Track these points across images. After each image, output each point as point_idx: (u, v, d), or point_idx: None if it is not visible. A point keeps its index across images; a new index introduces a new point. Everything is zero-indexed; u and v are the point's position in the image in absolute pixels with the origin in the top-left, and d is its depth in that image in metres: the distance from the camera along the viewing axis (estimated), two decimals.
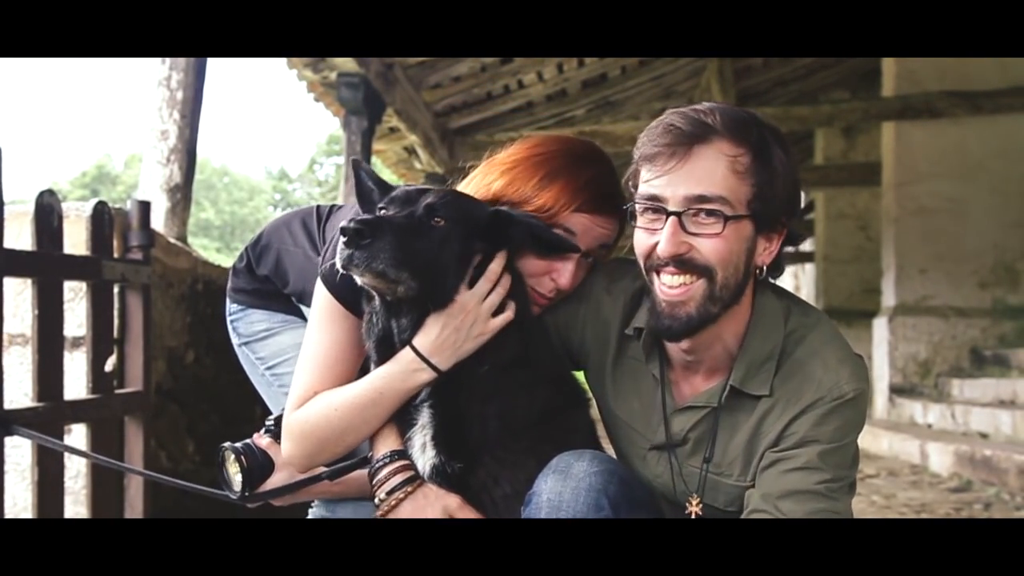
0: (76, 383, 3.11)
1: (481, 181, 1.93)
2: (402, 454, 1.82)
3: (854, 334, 11.46)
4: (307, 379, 1.85)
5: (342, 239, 1.62)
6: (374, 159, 8.80)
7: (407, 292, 1.71)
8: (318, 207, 2.29)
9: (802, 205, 1.81)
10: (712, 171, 1.61)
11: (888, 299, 9.60)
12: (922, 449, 7.25)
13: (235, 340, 2.29)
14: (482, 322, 1.76)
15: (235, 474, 1.92)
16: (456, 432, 1.81)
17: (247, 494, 1.92)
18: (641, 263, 1.72)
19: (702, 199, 1.61)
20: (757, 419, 1.72)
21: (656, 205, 1.64)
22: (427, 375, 1.77)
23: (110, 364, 3.27)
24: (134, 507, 3.34)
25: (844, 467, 1.70)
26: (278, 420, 1.96)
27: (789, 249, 1.82)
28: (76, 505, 3.17)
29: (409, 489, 1.79)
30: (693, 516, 1.79)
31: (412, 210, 1.74)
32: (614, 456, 1.89)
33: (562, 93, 9.82)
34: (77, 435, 3.18)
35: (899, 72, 9.08)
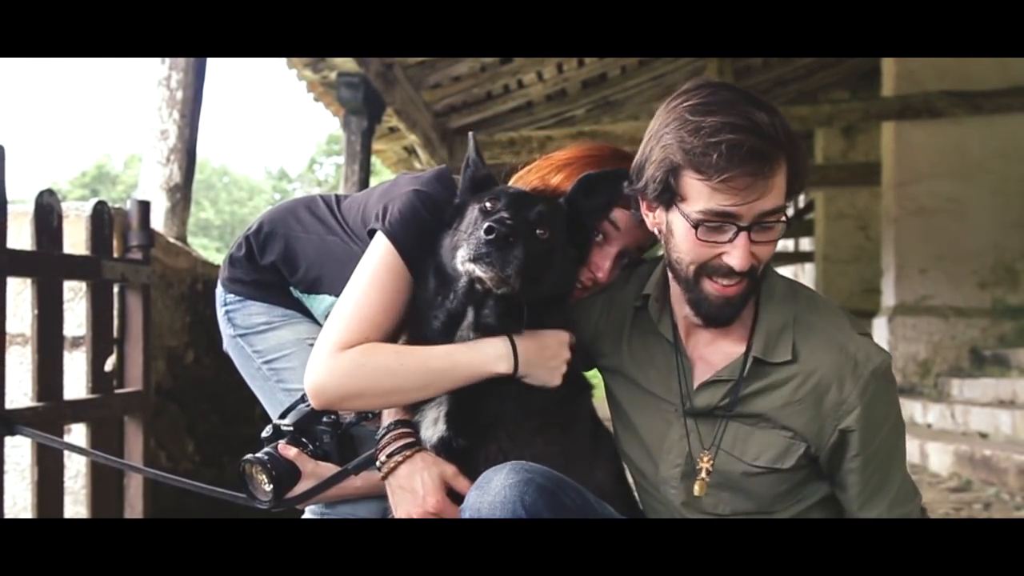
0: (76, 383, 3.11)
1: (538, 175, 2.03)
2: (405, 423, 1.89)
3: None
4: (358, 326, 1.86)
5: (486, 236, 1.69)
6: (374, 159, 8.80)
7: (507, 291, 1.78)
8: (319, 196, 2.28)
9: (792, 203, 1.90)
10: (778, 189, 1.67)
11: (888, 299, 9.61)
12: (922, 449, 7.25)
13: (229, 331, 2.23)
14: (561, 363, 1.88)
15: (264, 483, 1.93)
16: (470, 411, 1.87)
17: (277, 501, 1.94)
18: (691, 266, 1.73)
19: (772, 212, 1.67)
20: (785, 382, 1.78)
21: (725, 221, 1.65)
22: (506, 368, 1.82)
23: (110, 364, 3.28)
24: (134, 507, 3.34)
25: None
26: (297, 425, 1.98)
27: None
28: (76, 505, 3.17)
29: (408, 453, 1.85)
30: (704, 474, 1.82)
31: (527, 216, 1.82)
32: (637, 426, 1.96)
33: (562, 93, 9.82)
34: (77, 435, 3.19)
35: (899, 72, 9.09)
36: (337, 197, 2.27)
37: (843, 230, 12.40)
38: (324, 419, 2.00)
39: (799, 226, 14.89)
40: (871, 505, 1.80)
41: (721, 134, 1.59)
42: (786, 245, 17.35)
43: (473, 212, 1.86)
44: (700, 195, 1.64)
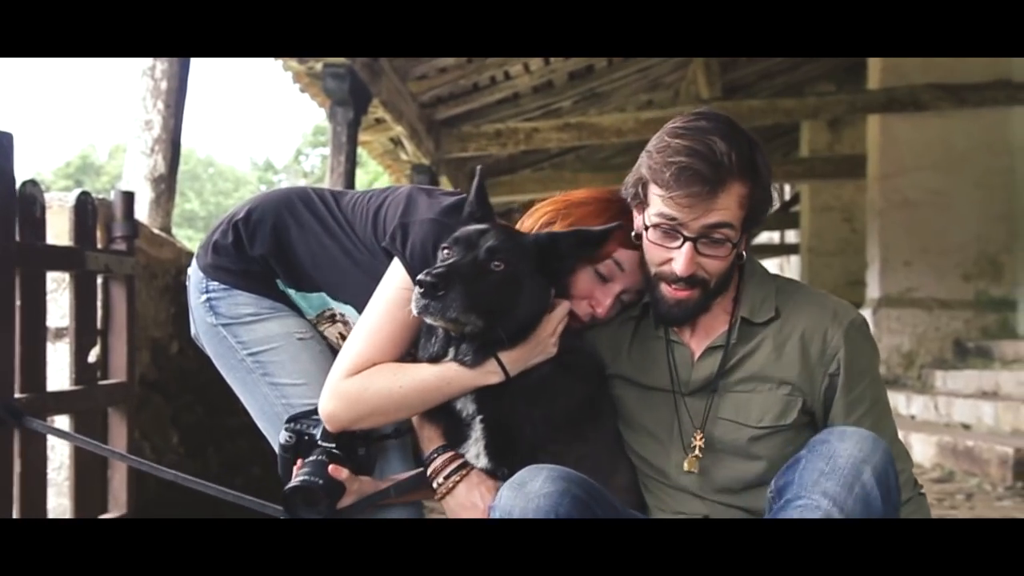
0: (59, 374, 3.10)
1: (551, 213, 2.09)
2: (448, 447, 2.04)
3: None
4: (368, 351, 1.96)
5: (418, 289, 1.78)
6: (360, 150, 8.77)
7: (473, 330, 1.88)
8: (314, 190, 2.24)
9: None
10: (727, 208, 1.83)
11: (873, 291, 9.66)
12: (906, 440, 7.26)
13: (210, 320, 2.18)
14: (551, 346, 1.96)
15: (321, 503, 1.94)
16: (507, 440, 1.99)
17: (323, 515, 1.95)
18: (651, 269, 1.93)
19: (715, 227, 1.83)
20: (772, 338, 1.94)
21: (674, 229, 1.85)
22: (497, 378, 1.93)
23: (93, 355, 3.26)
24: (117, 499, 3.34)
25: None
26: (342, 446, 2.00)
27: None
28: (59, 497, 3.16)
29: (464, 472, 2.00)
30: (696, 451, 1.92)
31: (475, 255, 1.88)
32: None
33: (549, 85, 9.79)
34: (60, 426, 3.17)
35: (884, 65, 9.13)
36: (334, 194, 2.24)
37: (828, 222, 12.45)
38: (357, 432, 2.03)
39: (785, 218, 14.94)
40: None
41: (677, 156, 1.82)
42: (772, 237, 17.42)
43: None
44: (655, 203, 1.87)
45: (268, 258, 2.15)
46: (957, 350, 9.16)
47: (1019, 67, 8.74)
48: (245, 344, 2.16)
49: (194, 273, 2.22)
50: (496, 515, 1.74)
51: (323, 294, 2.16)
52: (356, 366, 1.96)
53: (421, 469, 2.07)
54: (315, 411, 2.02)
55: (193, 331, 2.27)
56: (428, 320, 1.86)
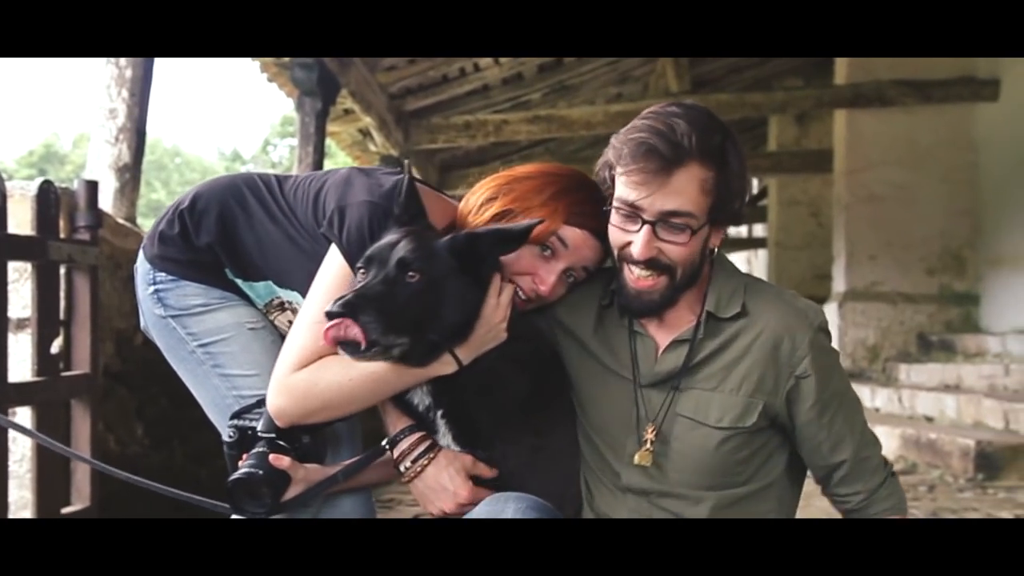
0: (21, 365, 3.06)
1: (493, 189, 2.03)
2: (415, 428, 1.98)
3: None
4: (311, 343, 1.89)
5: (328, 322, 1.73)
6: (328, 141, 8.72)
7: (402, 350, 1.83)
8: (259, 176, 2.20)
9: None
10: (684, 191, 1.78)
11: (838, 285, 9.74)
12: None
13: (158, 312, 2.13)
14: (502, 331, 1.92)
15: (265, 496, 1.91)
16: (471, 427, 1.97)
17: (271, 510, 1.92)
18: (615, 252, 1.89)
19: (674, 214, 1.79)
20: (738, 336, 1.89)
21: (633, 212, 1.81)
22: (451, 368, 1.90)
23: (56, 346, 3.23)
24: (81, 492, 3.30)
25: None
26: (284, 435, 1.96)
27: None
28: (21, 489, 3.13)
29: (432, 455, 1.95)
30: (648, 444, 1.89)
31: (386, 272, 1.81)
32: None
33: (518, 77, 9.80)
34: (22, 418, 3.14)
35: (851, 61, 9.18)
36: (279, 179, 2.18)
37: (795, 217, 12.55)
38: None
39: (752, 212, 15.02)
40: (839, 450, 1.90)
41: (637, 133, 1.80)
42: (740, 231, 17.51)
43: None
44: (618, 187, 1.84)
45: (215, 247, 2.10)
46: (921, 344, 9.27)
47: (983, 64, 8.83)
48: (195, 335, 2.11)
49: (141, 264, 2.17)
50: None
51: (270, 282, 2.12)
52: (301, 359, 1.91)
53: (371, 449, 2.03)
54: (262, 402, 1.98)
55: (143, 323, 2.22)
56: (347, 353, 1.80)
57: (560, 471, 1.99)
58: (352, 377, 1.89)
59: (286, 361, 1.92)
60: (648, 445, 1.89)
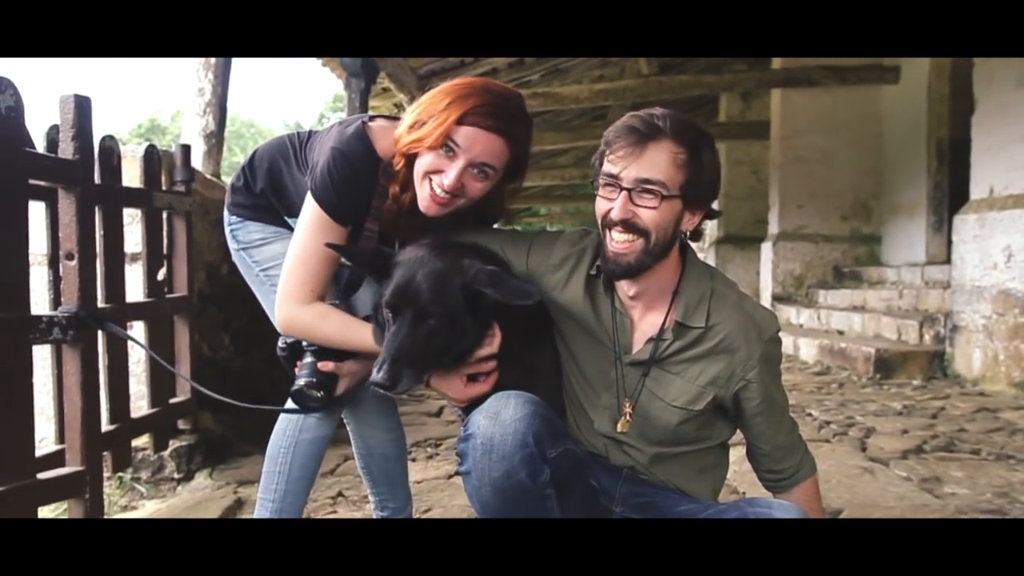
0: (135, 289, 3.10)
1: (419, 102, 1.90)
2: None
3: (747, 255, 11.65)
4: (297, 276, 1.88)
5: (375, 389, 1.62)
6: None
7: (428, 379, 1.74)
8: (298, 134, 2.17)
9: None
10: (657, 162, 1.68)
11: (773, 228, 9.73)
12: (795, 343, 7.43)
13: (233, 246, 2.17)
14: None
15: (321, 397, 1.90)
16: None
17: (328, 403, 1.92)
18: (599, 221, 1.79)
19: (647, 181, 1.69)
20: (703, 340, 1.79)
21: (613, 181, 1.72)
22: None
23: (161, 274, 3.26)
24: (184, 386, 3.36)
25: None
26: (312, 348, 1.93)
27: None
28: (138, 384, 3.19)
29: None
30: (627, 416, 1.82)
31: (411, 313, 1.67)
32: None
33: (520, 62, 9.66)
34: (137, 330, 3.19)
35: None
36: (310, 134, 2.15)
37: (740, 174, 12.42)
38: None
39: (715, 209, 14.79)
40: (778, 434, 1.85)
41: (621, 123, 1.73)
42: None
43: (378, 305, 1.77)
44: (605, 165, 1.75)
45: (267, 193, 2.11)
46: (835, 274, 9.29)
47: None
48: (258, 263, 2.14)
49: (224, 212, 2.21)
50: (477, 442, 1.61)
51: None
52: (290, 291, 1.88)
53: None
54: None
55: (233, 257, 2.25)
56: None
57: (547, 389, 1.86)
58: (344, 333, 1.86)
59: (285, 287, 1.89)
60: (627, 417, 1.82)
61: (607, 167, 1.74)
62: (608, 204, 1.74)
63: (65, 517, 2.62)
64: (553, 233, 2.00)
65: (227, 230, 2.19)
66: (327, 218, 1.87)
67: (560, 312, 1.89)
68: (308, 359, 1.93)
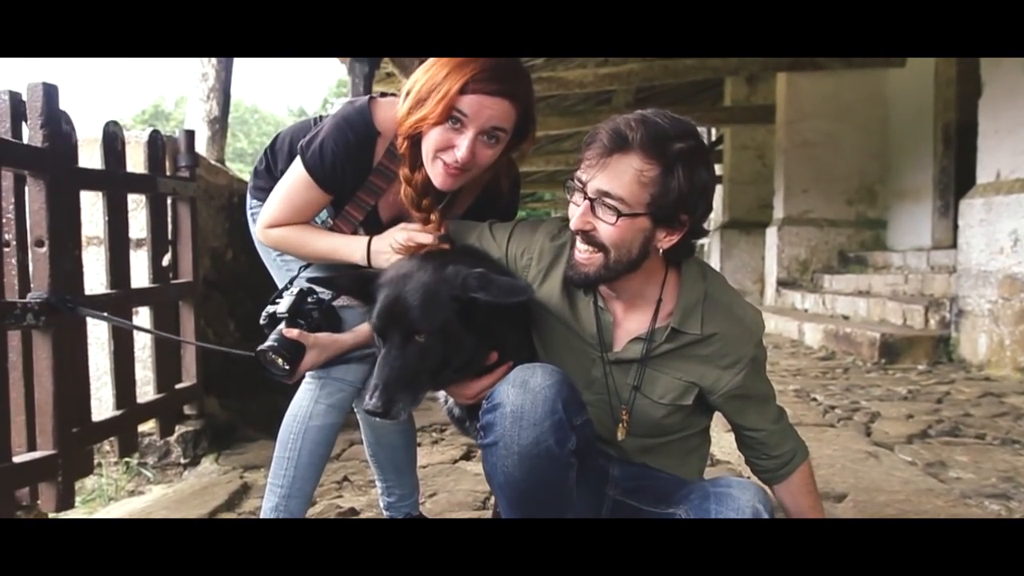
0: (140, 275, 3.11)
1: (413, 79, 1.86)
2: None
3: (752, 240, 11.62)
4: (278, 214, 1.95)
5: (371, 418, 1.63)
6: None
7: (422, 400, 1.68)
8: (321, 117, 2.15)
9: (710, 210, 1.72)
10: (619, 176, 1.60)
11: (778, 212, 9.70)
12: (800, 328, 7.42)
13: (254, 230, 2.16)
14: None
15: (282, 364, 1.88)
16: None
17: (293, 373, 1.91)
18: (572, 227, 1.71)
19: (606, 194, 1.61)
20: (695, 343, 1.77)
21: (581, 188, 1.65)
22: (360, 260, 1.89)
23: (166, 260, 3.26)
24: (188, 372, 3.37)
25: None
26: (290, 310, 1.93)
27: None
28: (144, 370, 3.20)
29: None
30: (624, 423, 1.80)
31: (399, 334, 1.61)
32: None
33: None
34: (143, 316, 3.19)
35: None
36: (321, 118, 2.13)
37: (745, 159, 12.37)
38: (309, 300, 1.96)
39: (712, 155, 14.78)
40: (767, 420, 1.85)
41: (601, 124, 1.65)
42: None
43: (371, 332, 1.72)
44: (579, 168, 1.68)
45: None
46: (841, 259, 9.26)
47: None
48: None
49: (247, 196, 2.23)
50: (507, 410, 1.57)
51: None
52: (269, 222, 1.96)
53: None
54: (283, 291, 2.00)
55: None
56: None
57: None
58: (305, 244, 1.96)
59: (264, 216, 1.98)
60: (624, 424, 1.80)
61: (579, 172, 1.67)
62: (574, 210, 1.67)
63: (95, 517, 2.63)
64: (533, 223, 1.93)
65: (248, 214, 2.20)
66: (311, 181, 1.90)
67: (537, 308, 1.84)
68: (279, 325, 1.93)
